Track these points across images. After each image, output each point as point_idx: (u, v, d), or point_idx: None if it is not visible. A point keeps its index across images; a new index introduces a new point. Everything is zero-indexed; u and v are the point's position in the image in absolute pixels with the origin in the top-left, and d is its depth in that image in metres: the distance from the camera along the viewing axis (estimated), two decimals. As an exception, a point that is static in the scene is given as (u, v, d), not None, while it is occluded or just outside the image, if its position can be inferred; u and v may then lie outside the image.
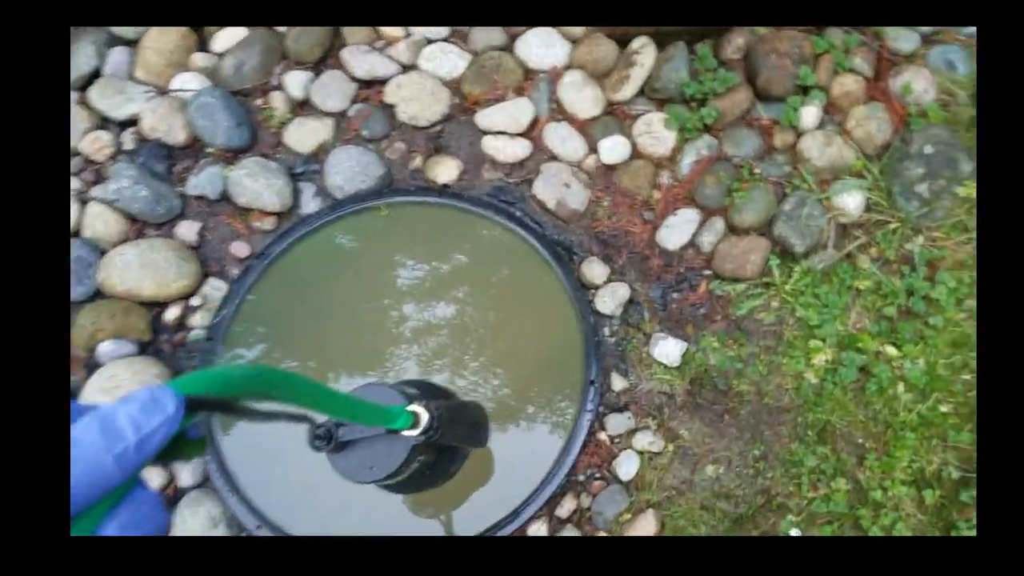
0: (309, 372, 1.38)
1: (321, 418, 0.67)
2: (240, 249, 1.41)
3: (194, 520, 1.29)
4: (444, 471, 0.96)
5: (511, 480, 1.37)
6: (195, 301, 1.41)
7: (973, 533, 1.32)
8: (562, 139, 1.41)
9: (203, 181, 1.40)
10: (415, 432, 0.76)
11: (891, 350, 1.44)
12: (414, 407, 0.77)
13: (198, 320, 1.41)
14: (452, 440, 0.85)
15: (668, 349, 1.42)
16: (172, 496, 1.35)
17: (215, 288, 1.42)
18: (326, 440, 0.73)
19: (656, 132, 1.40)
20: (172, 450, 0.36)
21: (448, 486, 0.98)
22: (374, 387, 0.81)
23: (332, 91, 1.39)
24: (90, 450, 0.28)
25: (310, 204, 1.41)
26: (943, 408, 1.41)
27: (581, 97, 1.40)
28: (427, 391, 0.91)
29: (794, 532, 1.34)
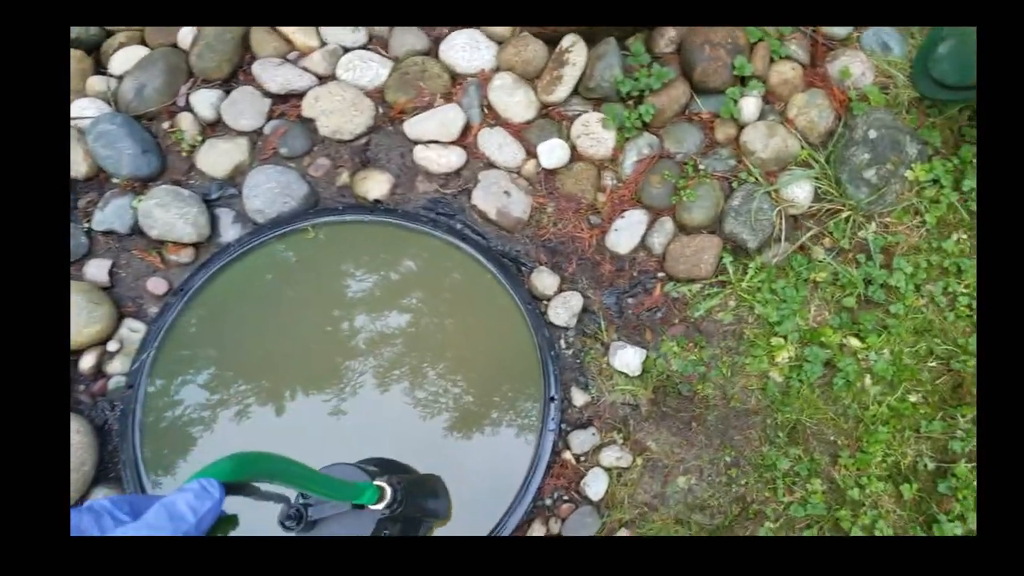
0: (244, 409, 1.27)
1: (293, 496, 0.76)
2: (157, 286, 1.30)
3: None
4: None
5: (473, 510, 1.28)
6: (112, 346, 1.29)
7: (955, 526, 1.28)
8: (498, 145, 1.35)
9: (110, 215, 1.29)
10: (380, 506, 0.85)
11: (855, 342, 1.40)
12: (379, 482, 0.85)
13: (117, 366, 1.29)
14: (415, 512, 0.92)
15: (628, 358, 1.36)
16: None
17: (132, 330, 1.31)
18: (296, 520, 0.78)
19: (595, 133, 1.36)
20: (215, 527, 0.47)
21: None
22: (338, 466, 0.88)
23: (244, 108, 1.31)
24: (163, 531, 0.38)
25: (230, 231, 1.32)
26: (912, 398, 1.38)
27: (513, 100, 1.34)
28: (387, 467, 0.98)
29: (773, 541, 1.27)
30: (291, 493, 0.74)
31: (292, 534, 0.78)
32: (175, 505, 0.42)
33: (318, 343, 1.32)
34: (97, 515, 0.42)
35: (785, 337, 1.39)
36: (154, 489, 1.24)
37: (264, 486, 0.59)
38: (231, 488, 0.49)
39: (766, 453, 1.34)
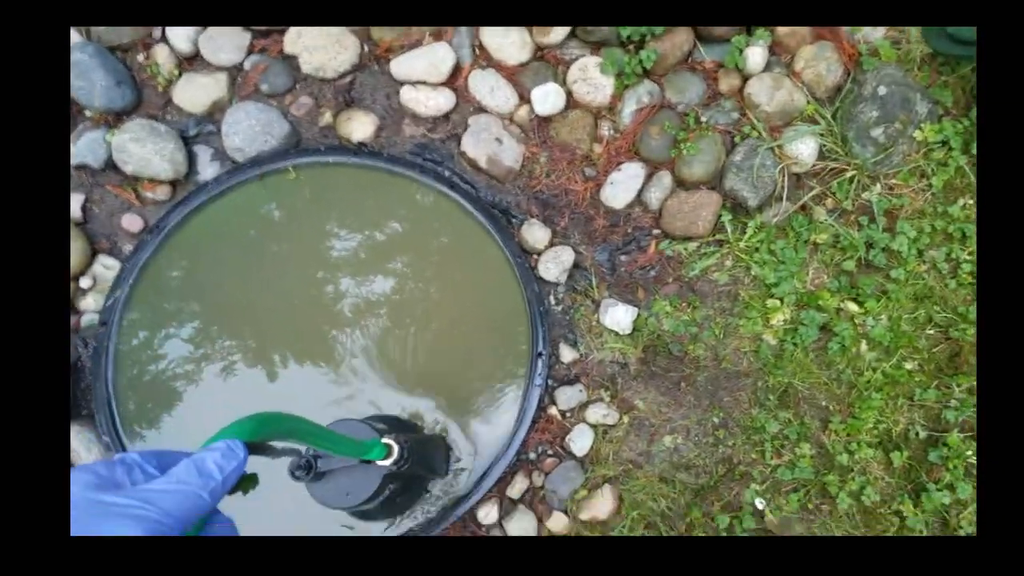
0: (219, 351, 1.24)
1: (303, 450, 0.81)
2: (132, 223, 1.26)
3: None
4: (409, 499, 1.09)
5: (459, 462, 1.26)
6: (85, 282, 1.26)
7: (944, 495, 1.26)
8: (490, 89, 1.29)
9: (83, 148, 1.24)
10: (387, 462, 0.89)
11: (852, 307, 1.37)
12: (387, 439, 0.89)
13: (90, 303, 1.26)
14: (418, 469, 0.97)
15: (619, 316, 1.33)
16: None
17: (106, 267, 1.27)
18: (306, 470, 0.82)
19: (592, 78, 1.30)
20: (237, 485, 0.49)
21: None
22: (348, 422, 0.94)
23: (223, 43, 1.25)
24: (192, 487, 0.40)
25: (208, 170, 1.27)
26: (908, 365, 1.35)
27: (507, 41, 1.28)
28: (394, 425, 1.03)
29: (759, 502, 1.26)
30: (302, 446, 0.76)
31: (302, 483, 0.83)
32: (204, 462, 0.44)
33: (298, 288, 1.28)
34: (129, 468, 0.42)
35: (781, 299, 1.36)
36: (125, 428, 1.21)
37: (278, 443, 0.61)
38: (252, 448, 0.52)
39: (755, 416, 1.32)
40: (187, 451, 0.47)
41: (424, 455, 1.00)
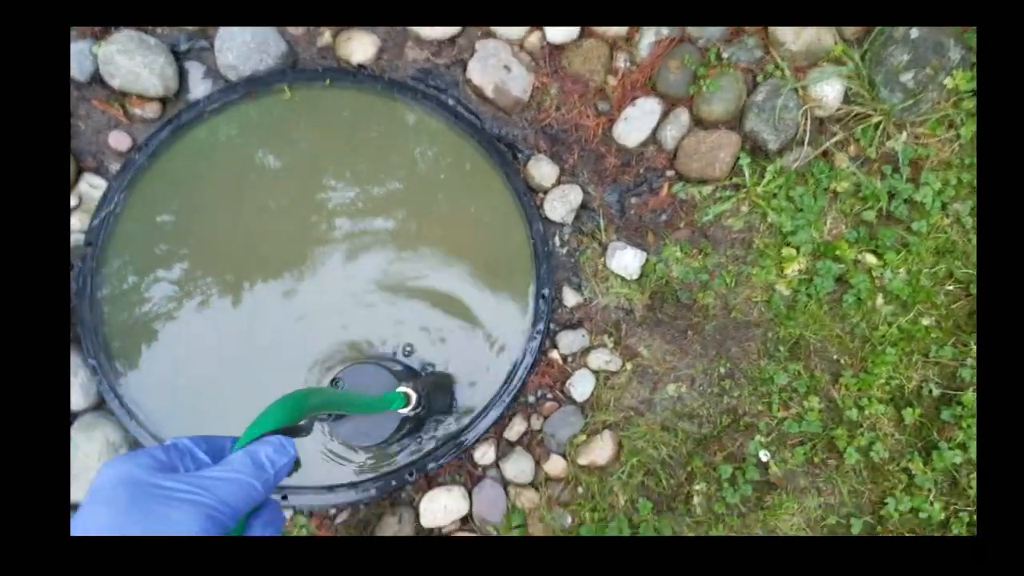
0: (208, 277, 1.20)
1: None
2: (120, 141, 1.21)
3: (90, 445, 1.14)
4: (419, 431, 1.12)
5: (456, 403, 1.22)
6: (71, 200, 1.21)
7: (955, 454, 1.23)
8: (501, 11, 1.22)
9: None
10: (406, 410, 0.94)
11: (871, 259, 1.32)
12: (405, 388, 0.93)
13: (75, 223, 1.21)
14: (431, 411, 1.03)
15: (626, 260, 1.28)
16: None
17: (92, 186, 1.23)
18: (329, 418, 0.86)
19: (610, 3, 1.22)
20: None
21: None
22: (364, 368, 0.98)
23: (219, -55, 1.17)
24: (246, 477, 0.43)
25: (199, 87, 1.21)
26: (925, 321, 1.31)
27: (522, -42, 1.20)
28: (401, 373, 1.03)
29: (763, 454, 1.23)
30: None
31: (324, 424, 0.91)
32: (257, 455, 0.45)
33: (290, 214, 1.24)
34: (181, 453, 0.43)
35: (797, 248, 1.31)
36: (110, 351, 1.18)
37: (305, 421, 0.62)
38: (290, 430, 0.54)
39: (764, 367, 1.28)
40: (232, 436, 0.49)
41: (437, 397, 1.05)
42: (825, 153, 1.34)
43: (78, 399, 1.17)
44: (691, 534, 1.22)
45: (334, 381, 0.99)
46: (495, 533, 1.20)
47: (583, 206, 1.31)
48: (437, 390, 1.10)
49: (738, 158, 1.32)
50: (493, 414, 1.22)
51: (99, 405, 1.20)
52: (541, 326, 1.26)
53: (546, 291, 1.27)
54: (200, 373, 1.18)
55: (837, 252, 1.31)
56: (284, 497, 1.16)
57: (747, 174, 1.32)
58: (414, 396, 0.93)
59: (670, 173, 1.33)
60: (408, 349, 1.21)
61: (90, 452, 1.14)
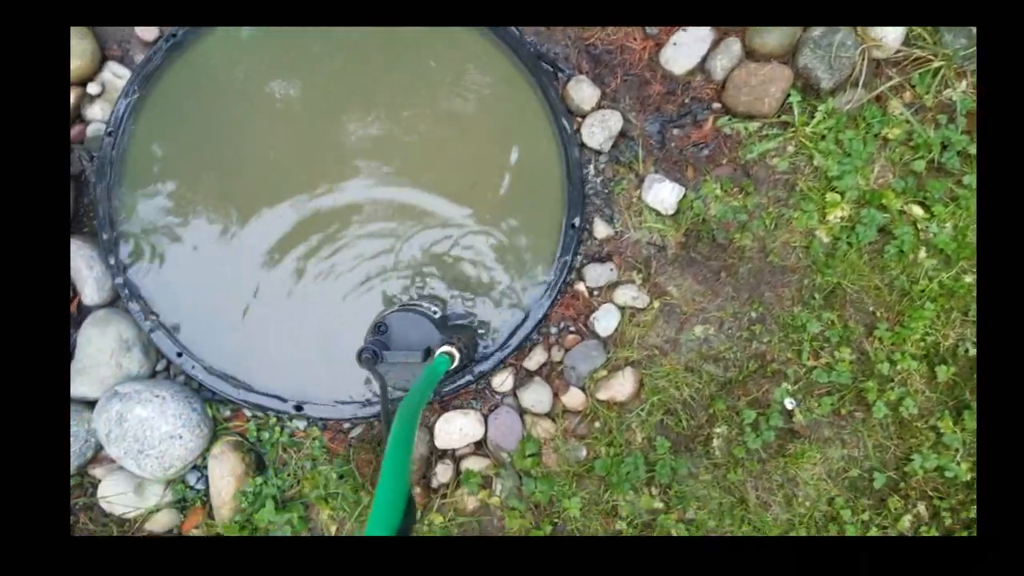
0: (230, 169, 1.17)
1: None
2: (147, 30, 1.18)
3: (102, 340, 1.13)
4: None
5: (478, 327, 1.21)
6: (92, 88, 1.19)
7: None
8: (553, -86, 1.16)
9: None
10: (453, 367, 1.03)
11: (917, 210, 1.28)
12: (447, 348, 1.03)
13: (97, 112, 1.19)
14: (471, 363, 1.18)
15: (663, 194, 1.25)
16: (76, 315, 1.17)
17: (116, 75, 1.21)
18: (372, 357, 0.99)
19: (670, -85, 1.17)
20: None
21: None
22: (407, 315, 1.06)
23: None
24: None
25: (232, -26, 1.16)
26: (968, 279, 1.28)
27: None
28: (444, 310, 1.16)
29: (788, 402, 1.21)
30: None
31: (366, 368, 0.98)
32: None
33: (315, 122, 1.21)
34: None
35: (842, 194, 1.27)
36: (127, 244, 1.16)
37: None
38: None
39: (797, 314, 1.25)
40: None
41: (472, 350, 1.13)
42: (879, 97, 1.30)
43: (92, 294, 1.16)
44: (708, 476, 1.21)
45: (378, 326, 1.05)
46: (508, 459, 1.19)
47: (622, 134, 1.27)
48: (472, 343, 1.14)
49: (788, 95, 1.27)
50: (514, 342, 1.20)
51: (113, 301, 1.18)
52: (568, 256, 1.23)
53: (576, 221, 1.24)
54: (217, 273, 1.16)
55: (883, 201, 1.27)
56: (299, 408, 1.15)
57: (796, 113, 1.28)
58: (457, 355, 1.03)
59: (716, 106, 1.28)
60: (439, 305, 1.18)
61: (103, 348, 1.13)
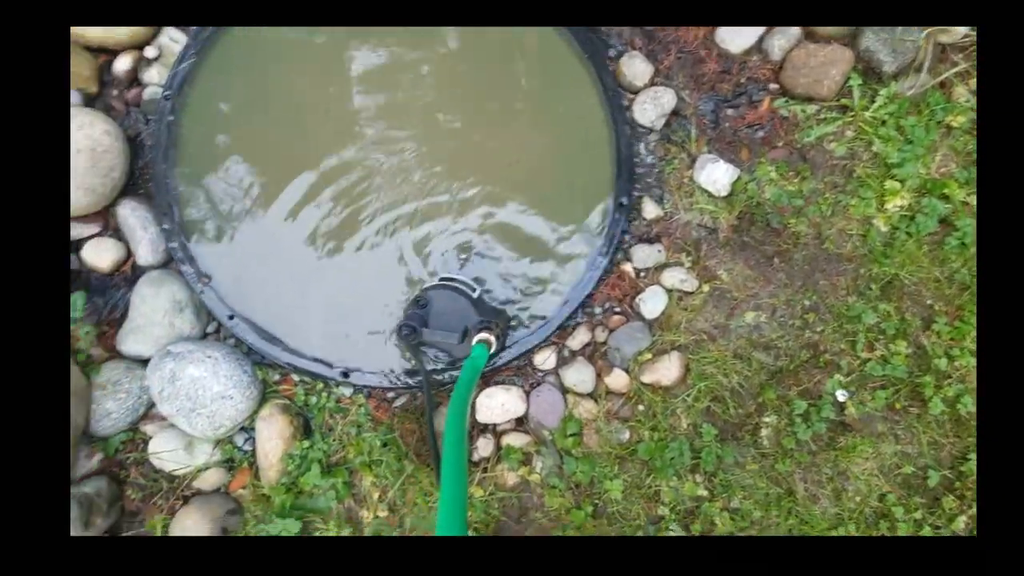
0: (284, 137, 1.19)
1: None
2: (206, -2, 1.20)
3: (156, 300, 1.16)
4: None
5: (521, 304, 1.21)
6: (150, 52, 1.22)
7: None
8: None
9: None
10: (492, 351, 1.10)
11: (981, 201, 1.24)
12: (484, 336, 1.08)
13: (154, 75, 1.23)
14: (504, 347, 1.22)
15: (716, 175, 1.23)
16: (130, 275, 1.20)
17: (173, 39, 1.24)
18: (411, 333, 1.07)
19: None
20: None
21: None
22: (446, 291, 1.11)
23: None
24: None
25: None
26: (1033, 274, 1.23)
27: None
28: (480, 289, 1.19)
29: (841, 393, 1.19)
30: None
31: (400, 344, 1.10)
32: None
33: (371, 94, 1.22)
34: None
35: (902, 182, 1.24)
36: (182, 208, 1.20)
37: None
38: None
39: (852, 304, 1.23)
40: None
41: (505, 335, 1.16)
42: (943, 83, 1.27)
43: (146, 254, 1.19)
44: (755, 466, 1.19)
45: (418, 301, 1.10)
46: (549, 437, 1.19)
47: (675, 112, 1.26)
48: (506, 328, 1.18)
49: (849, 78, 1.25)
50: (557, 320, 1.20)
51: (166, 263, 1.21)
52: (616, 236, 1.22)
53: (624, 199, 1.23)
54: (269, 239, 1.19)
55: (944, 191, 1.24)
56: (345, 375, 1.16)
57: (856, 96, 1.25)
58: (494, 341, 1.08)
59: (773, 86, 1.27)
60: (477, 284, 1.19)
61: (156, 308, 1.16)
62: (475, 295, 1.13)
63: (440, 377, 1.20)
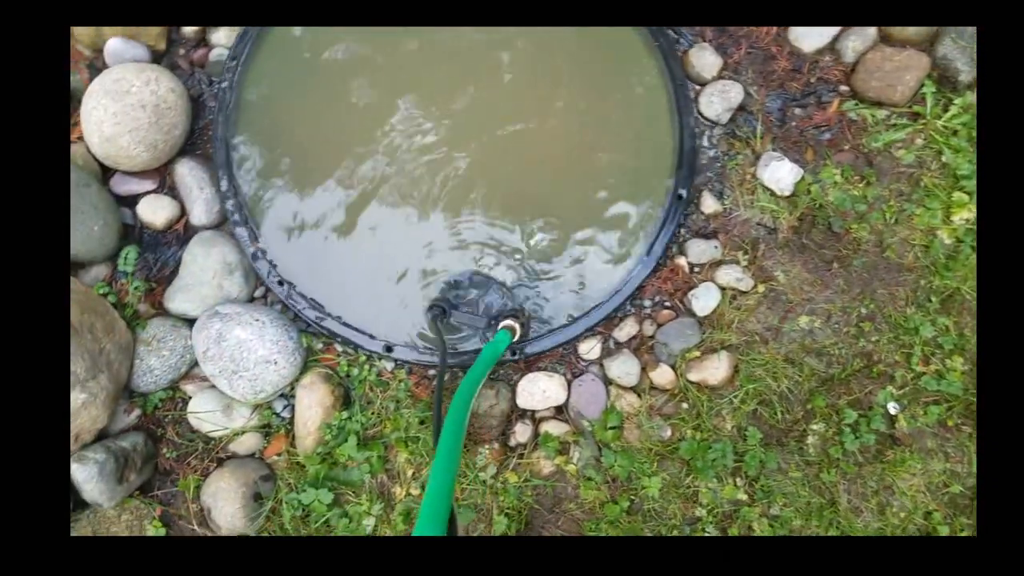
0: (351, 109, 1.19)
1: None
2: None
3: (206, 260, 1.17)
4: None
5: (568, 290, 1.20)
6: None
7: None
8: None
9: None
10: (515, 339, 1.14)
11: (1052, 220, 1.21)
12: (513, 324, 1.12)
13: (221, 38, 1.23)
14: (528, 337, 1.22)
15: (780, 174, 1.22)
16: (182, 233, 1.21)
17: None
18: (441, 313, 1.11)
19: None
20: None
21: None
22: (477, 276, 1.19)
23: None
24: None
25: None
26: (1101, 299, 1.20)
27: None
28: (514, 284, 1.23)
29: (892, 406, 1.17)
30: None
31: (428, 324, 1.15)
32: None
33: (433, 76, 1.21)
34: None
35: (970, 195, 1.22)
36: (239, 168, 1.19)
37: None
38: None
39: (910, 315, 1.20)
40: None
41: (528, 328, 1.19)
42: (1023, 96, 1.23)
43: (200, 214, 1.20)
44: (798, 474, 1.17)
45: (453, 283, 1.13)
46: (589, 428, 1.18)
47: (741, 107, 1.25)
48: (528, 322, 1.21)
49: (923, 85, 1.23)
50: (606, 309, 1.19)
51: (219, 224, 1.22)
52: (671, 228, 1.21)
53: (683, 192, 1.22)
54: (323, 208, 1.19)
55: (1016, 207, 1.21)
56: (388, 349, 1.16)
57: (929, 104, 1.23)
58: (519, 329, 1.12)
59: (844, 88, 1.25)
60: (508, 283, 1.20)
61: (206, 268, 1.16)
62: (508, 286, 1.19)
63: (464, 358, 1.20)
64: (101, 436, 1.16)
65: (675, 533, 1.18)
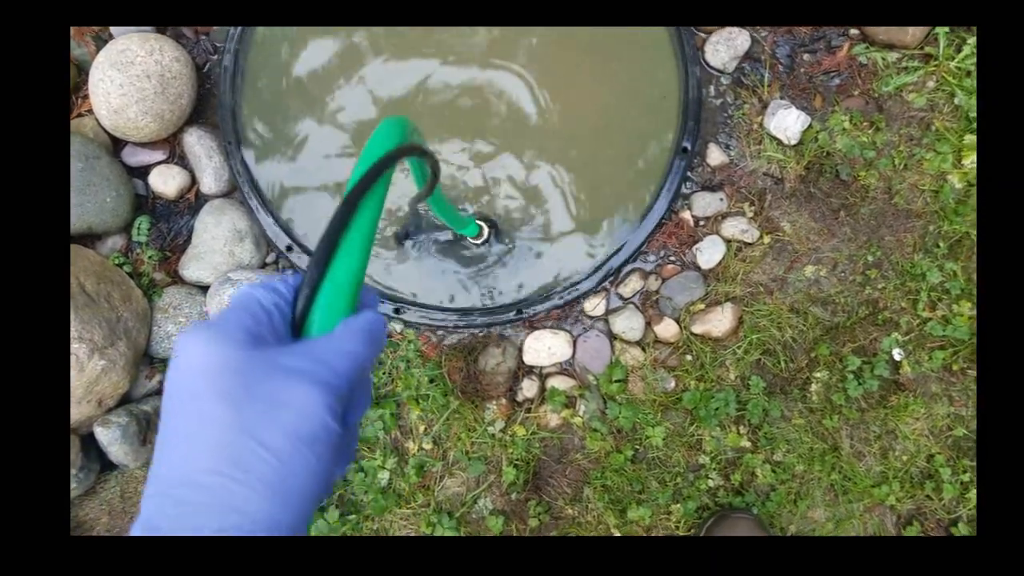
0: (360, 79, 1.34)
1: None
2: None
3: (217, 228, 1.37)
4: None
5: (572, 248, 1.36)
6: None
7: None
8: None
9: None
10: (478, 241, 1.35)
11: (1068, 161, 1.34)
12: (482, 223, 1.31)
13: (216, 5, 1.38)
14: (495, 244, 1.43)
15: (788, 122, 1.36)
16: (194, 202, 1.39)
17: None
18: (404, 238, 1.37)
19: None
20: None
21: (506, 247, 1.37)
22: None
23: None
24: (360, 346, 0.41)
25: None
26: (1116, 241, 1.33)
27: None
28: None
29: (897, 352, 1.34)
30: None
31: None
32: (376, 322, 0.43)
33: (443, 32, 1.36)
34: (268, 313, 0.39)
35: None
36: (245, 137, 1.36)
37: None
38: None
39: (917, 261, 1.36)
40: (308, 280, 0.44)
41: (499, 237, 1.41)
42: (1042, 32, 1.34)
43: (210, 183, 1.38)
44: (801, 421, 1.35)
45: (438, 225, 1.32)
46: (594, 382, 1.36)
47: (748, 55, 1.38)
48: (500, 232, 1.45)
49: (935, 26, 1.34)
50: (611, 265, 1.35)
51: (229, 192, 1.39)
52: (675, 181, 1.36)
53: (688, 144, 1.37)
54: (333, 173, 1.36)
55: (1030, 148, 1.34)
56: (397, 311, 1.34)
57: (942, 45, 1.36)
58: (487, 230, 1.32)
59: (854, 32, 1.38)
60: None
61: (217, 236, 1.35)
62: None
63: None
64: (124, 401, 1.38)
65: (679, 480, 1.38)
